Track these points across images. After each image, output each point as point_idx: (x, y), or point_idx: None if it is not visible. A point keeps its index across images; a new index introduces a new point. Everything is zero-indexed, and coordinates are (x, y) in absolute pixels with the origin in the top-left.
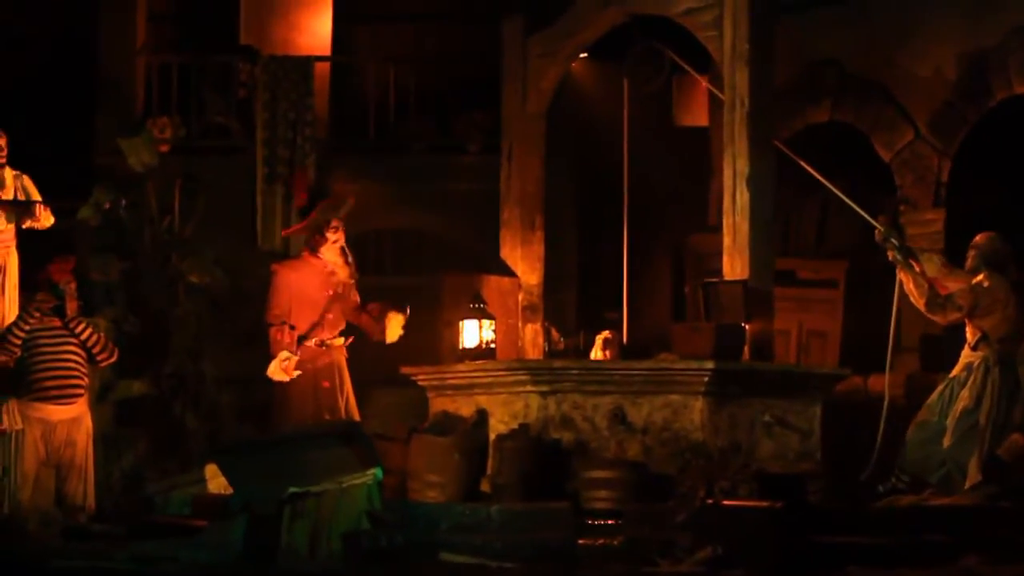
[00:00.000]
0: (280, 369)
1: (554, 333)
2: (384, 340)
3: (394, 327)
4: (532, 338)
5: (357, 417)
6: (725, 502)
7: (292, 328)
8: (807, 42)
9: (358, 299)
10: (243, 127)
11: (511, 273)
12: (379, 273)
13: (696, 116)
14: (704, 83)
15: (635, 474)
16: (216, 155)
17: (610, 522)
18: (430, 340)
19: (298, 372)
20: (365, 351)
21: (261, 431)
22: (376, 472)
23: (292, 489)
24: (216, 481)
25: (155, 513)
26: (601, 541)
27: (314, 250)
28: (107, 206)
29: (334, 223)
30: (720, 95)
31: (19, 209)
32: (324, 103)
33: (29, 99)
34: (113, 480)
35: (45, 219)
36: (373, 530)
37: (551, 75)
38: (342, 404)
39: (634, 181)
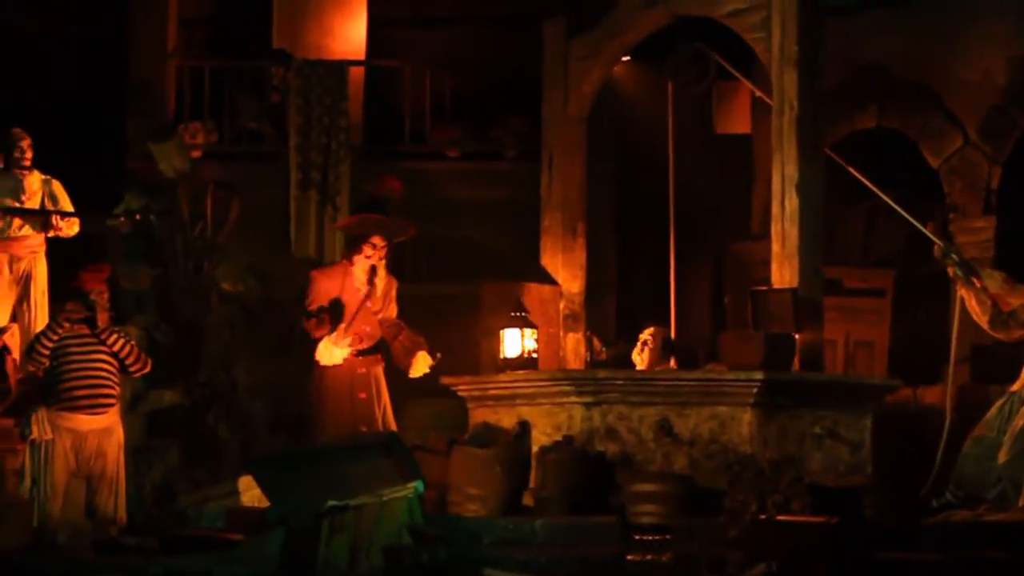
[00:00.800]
0: (333, 346)
1: (596, 343)
2: (408, 372)
3: (419, 366)
4: (574, 348)
5: (394, 429)
6: (779, 517)
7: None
8: (852, 46)
9: (394, 315)
10: (276, 132)
11: (552, 281)
12: (415, 280)
13: (737, 123)
14: (749, 87)
15: (682, 488)
16: (249, 161)
17: (657, 537)
18: (468, 350)
19: (349, 346)
20: None
21: (295, 442)
22: (417, 485)
23: (331, 502)
24: (250, 493)
25: (188, 526)
26: (649, 557)
27: (350, 259)
28: (137, 215)
29: (375, 240)
30: (767, 99)
31: (33, 220)
32: (358, 108)
33: (59, 103)
34: (144, 492)
35: (68, 228)
36: (415, 545)
37: (593, 78)
38: (379, 415)
39: (675, 187)
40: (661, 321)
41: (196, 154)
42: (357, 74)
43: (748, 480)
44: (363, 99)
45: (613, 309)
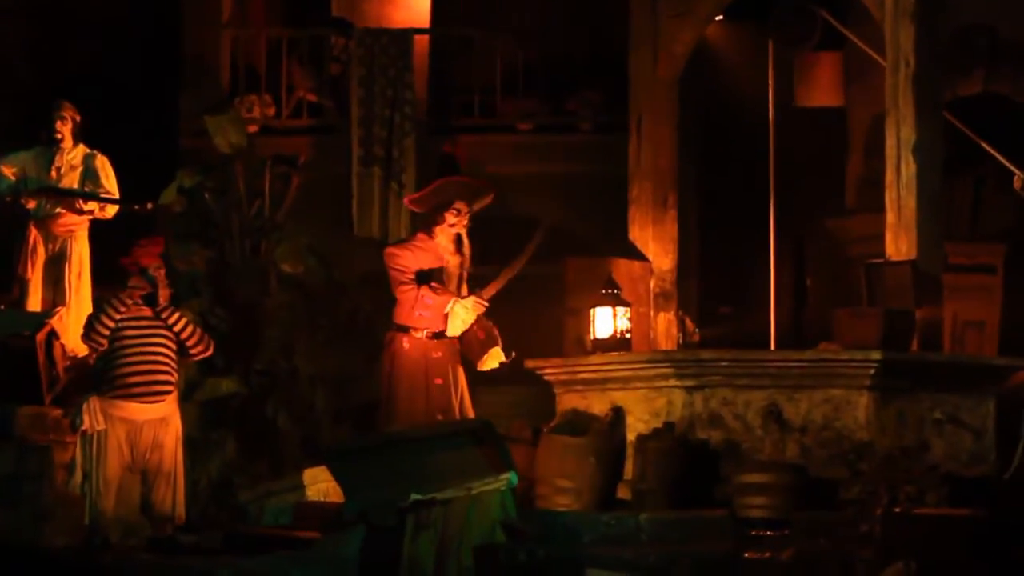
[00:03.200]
0: (468, 308)
1: (688, 323)
2: (477, 363)
3: (491, 361)
4: (665, 329)
5: (472, 416)
6: (916, 511)
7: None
8: (955, 5)
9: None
10: (337, 105)
11: (641, 256)
12: (485, 262)
13: (820, 95)
14: (838, 55)
15: (795, 478)
16: (308, 135)
17: (774, 533)
18: (550, 332)
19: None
20: None
21: (361, 433)
22: (510, 477)
23: (415, 496)
24: (316, 487)
25: (249, 523)
26: (768, 554)
27: (430, 230)
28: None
29: (458, 205)
30: (879, 58)
31: (65, 200)
32: (423, 80)
33: (109, 77)
34: (200, 487)
35: (100, 210)
36: (509, 543)
37: (685, 37)
38: (456, 403)
39: (755, 161)
40: (743, 303)
41: (252, 129)
42: (421, 44)
43: (878, 469)
44: (428, 70)
45: (695, 289)
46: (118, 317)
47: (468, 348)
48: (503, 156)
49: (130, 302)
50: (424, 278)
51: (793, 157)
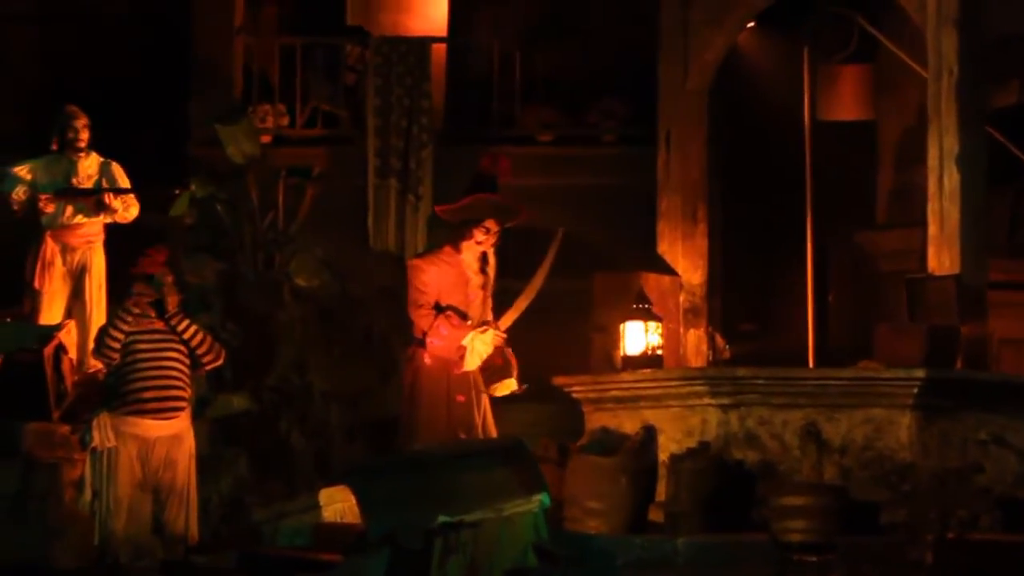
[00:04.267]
0: (485, 342)
1: (719, 340)
2: (486, 389)
3: (503, 389)
4: (695, 345)
5: (495, 435)
6: (970, 536)
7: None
8: (991, 14)
9: (490, 316)
10: (352, 115)
11: (671, 271)
12: (503, 276)
13: (843, 109)
14: (866, 67)
15: (836, 501)
16: (322, 146)
17: (817, 558)
18: (577, 349)
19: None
20: None
21: (383, 452)
22: (543, 498)
23: (442, 518)
24: (332, 508)
25: (263, 544)
26: None
27: (456, 245)
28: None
29: (488, 224)
30: (919, 68)
31: (86, 201)
32: (440, 90)
33: (117, 84)
34: (211, 506)
35: (125, 209)
36: (542, 567)
37: (716, 46)
38: (479, 421)
39: (780, 175)
40: (766, 321)
41: (266, 139)
42: (439, 53)
43: (928, 492)
44: (445, 80)
45: (719, 305)
46: (127, 329)
47: (483, 371)
48: (522, 168)
49: (137, 310)
50: (447, 296)
51: (816, 171)
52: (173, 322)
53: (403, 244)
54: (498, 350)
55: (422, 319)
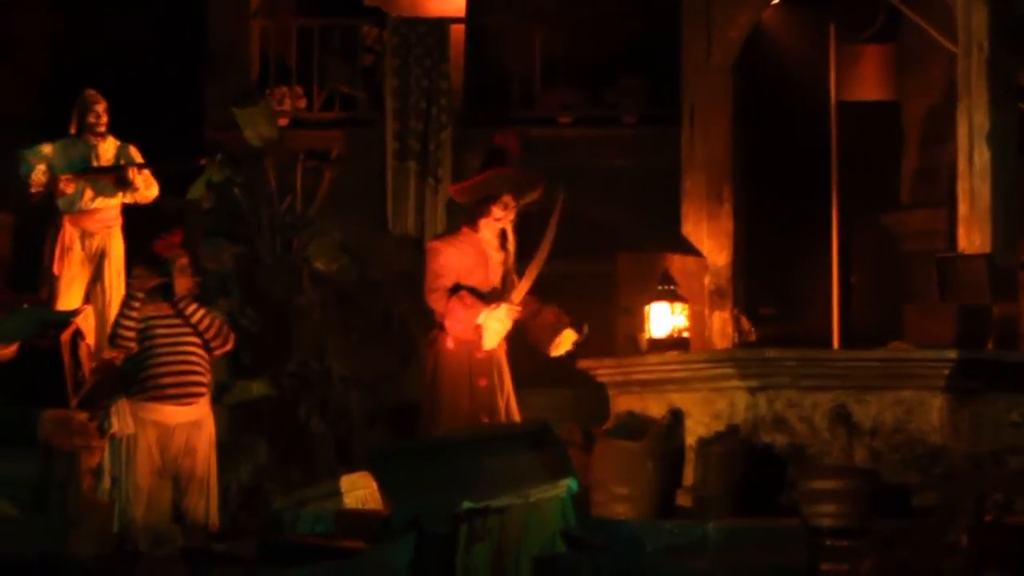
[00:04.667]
0: (502, 319)
1: (744, 322)
2: (546, 350)
3: (564, 344)
4: (720, 328)
5: (519, 420)
6: (1007, 519)
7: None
8: None
9: (518, 284)
10: (370, 97)
11: (695, 252)
12: (522, 259)
13: (862, 89)
14: (884, 46)
15: (867, 484)
16: (340, 128)
17: (851, 542)
18: (601, 331)
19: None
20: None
21: (406, 437)
22: (570, 483)
23: (468, 504)
24: (354, 494)
25: (284, 531)
26: (846, 566)
27: (474, 223)
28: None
29: (506, 199)
30: (949, 44)
31: (112, 177)
32: (459, 71)
33: (131, 67)
34: (230, 493)
35: (146, 188)
36: (571, 553)
37: (740, 22)
38: (502, 405)
39: (801, 155)
40: (787, 304)
41: (283, 122)
42: (456, 33)
43: (964, 475)
44: (464, 61)
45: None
46: (136, 315)
47: (539, 336)
48: (543, 149)
49: (141, 295)
50: (468, 277)
51: (839, 152)
52: (180, 306)
53: (422, 227)
54: (548, 309)
55: (437, 302)
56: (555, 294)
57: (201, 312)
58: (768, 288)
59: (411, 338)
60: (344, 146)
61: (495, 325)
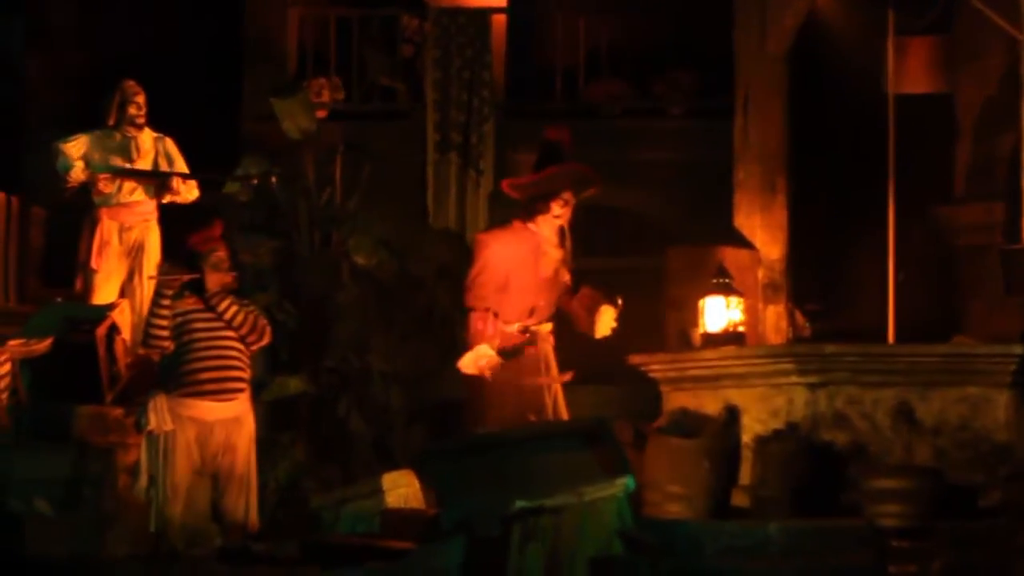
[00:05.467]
0: (475, 365)
1: (799, 317)
2: (592, 334)
3: (605, 321)
4: (775, 323)
5: (567, 418)
6: None
7: (496, 316)
8: None
9: (569, 280)
10: (410, 89)
11: (748, 245)
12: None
13: (914, 82)
14: (931, 38)
15: (932, 483)
16: (380, 120)
17: (918, 544)
18: (643, 328)
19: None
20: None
21: (437, 435)
22: (627, 482)
23: (521, 503)
24: (396, 493)
25: (323, 530)
26: (913, 568)
27: (529, 219)
28: (256, 180)
29: (566, 195)
30: (1014, 32)
31: (154, 181)
32: (501, 62)
33: (166, 57)
34: (267, 491)
35: (187, 192)
36: (628, 555)
37: (797, 8)
38: (550, 402)
39: (851, 146)
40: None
41: (321, 113)
42: (498, 23)
43: None
44: (506, 52)
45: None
46: (166, 312)
47: (579, 320)
48: (587, 142)
49: (169, 292)
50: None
51: (882, 147)
52: (213, 302)
53: (464, 221)
54: (584, 293)
55: (470, 300)
56: (611, 296)
57: (235, 308)
58: (814, 283)
59: (452, 334)
60: (383, 138)
61: (472, 360)
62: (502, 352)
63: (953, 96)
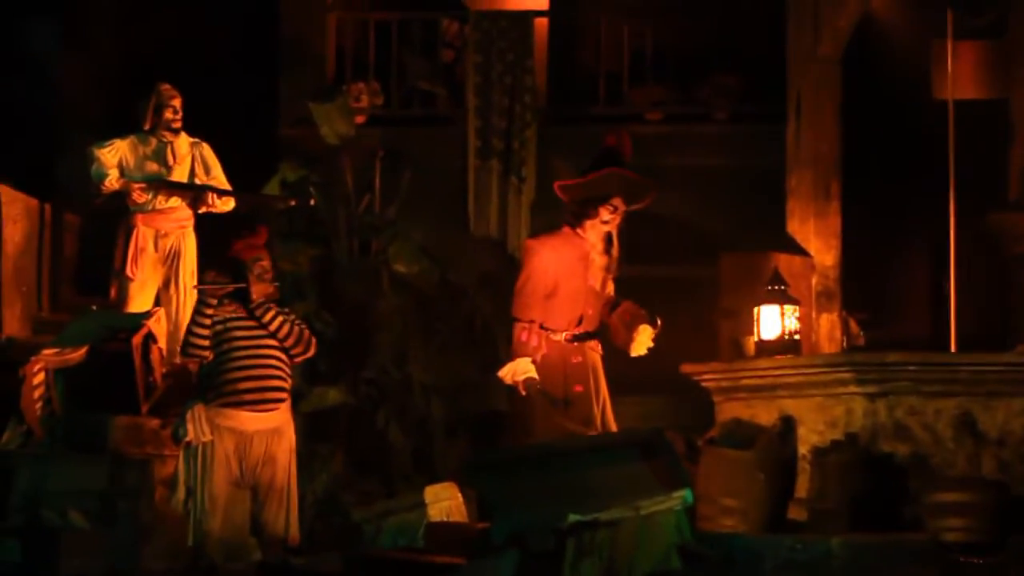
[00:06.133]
0: (512, 378)
1: (853, 325)
2: (628, 350)
3: (642, 340)
4: (828, 331)
5: (615, 430)
6: None
7: (542, 327)
8: None
9: (612, 290)
10: (451, 94)
11: (802, 251)
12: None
13: (978, 87)
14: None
15: (997, 497)
16: (420, 126)
17: (983, 560)
18: (691, 337)
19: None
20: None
21: (480, 447)
22: (685, 495)
23: (575, 517)
24: (439, 506)
25: (364, 544)
26: None
27: (578, 224)
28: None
29: (616, 201)
30: None
31: (189, 194)
32: (543, 67)
33: (202, 61)
34: (305, 504)
35: (223, 205)
36: (687, 570)
37: (850, 9)
38: (597, 413)
39: (902, 152)
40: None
41: (360, 119)
42: (540, 28)
43: None
44: (547, 56)
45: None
46: (208, 322)
47: (616, 335)
48: (631, 148)
49: (214, 302)
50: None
51: (941, 149)
52: (258, 313)
53: (505, 229)
54: (625, 308)
55: (516, 310)
56: (656, 298)
57: (280, 319)
58: (862, 291)
59: (494, 344)
60: (423, 144)
61: (511, 372)
62: (546, 362)
63: (1008, 100)
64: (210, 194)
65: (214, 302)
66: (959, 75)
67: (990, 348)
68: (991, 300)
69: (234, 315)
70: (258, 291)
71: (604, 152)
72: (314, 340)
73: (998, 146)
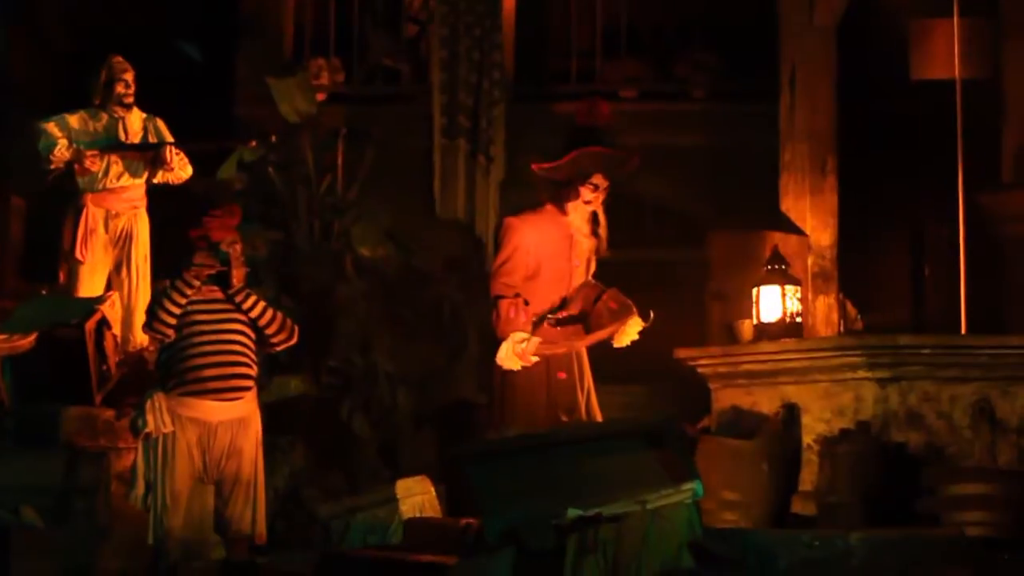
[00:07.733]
0: (514, 354)
1: (850, 308)
2: (612, 340)
3: (629, 333)
4: (825, 314)
5: (599, 418)
6: None
7: (527, 303)
8: None
9: (593, 270)
10: (415, 70)
11: (797, 230)
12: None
13: (937, 67)
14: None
15: (1018, 488)
16: (383, 103)
17: (1010, 555)
18: (678, 322)
19: (536, 358)
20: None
21: (448, 440)
22: (695, 487)
23: (575, 511)
24: (411, 501)
25: (332, 542)
26: None
27: (561, 205)
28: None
29: (597, 180)
30: None
31: (146, 154)
32: (511, 41)
33: (158, 36)
34: (268, 500)
35: (180, 167)
36: (699, 568)
37: None
38: (582, 401)
39: (893, 131)
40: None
41: (321, 96)
42: (508, 1)
43: None
44: (515, 31)
45: None
46: (184, 301)
47: (600, 323)
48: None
49: (197, 283)
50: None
51: (933, 130)
52: (238, 299)
53: (473, 211)
54: (612, 296)
55: (495, 288)
56: (639, 280)
57: (262, 305)
58: (849, 274)
59: (462, 331)
60: (387, 123)
61: (507, 352)
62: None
63: (1000, 79)
64: (168, 149)
65: (197, 284)
66: (946, 54)
67: (985, 330)
68: (984, 281)
69: (198, 297)
70: (238, 275)
71: (575, 131)
72: (297, 327)
73: (988, 126)
